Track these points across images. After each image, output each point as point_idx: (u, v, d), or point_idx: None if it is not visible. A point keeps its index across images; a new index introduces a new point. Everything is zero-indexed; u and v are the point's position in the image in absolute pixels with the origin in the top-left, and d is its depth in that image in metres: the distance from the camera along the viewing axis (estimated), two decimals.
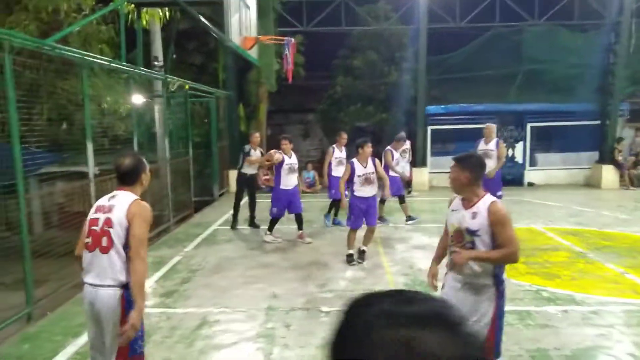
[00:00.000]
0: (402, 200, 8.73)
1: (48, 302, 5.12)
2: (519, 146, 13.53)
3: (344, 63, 16.34)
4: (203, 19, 8.08)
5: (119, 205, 2.77)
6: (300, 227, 7.63)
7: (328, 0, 13.23)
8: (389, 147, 8.84)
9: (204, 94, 11.80)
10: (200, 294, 5.40)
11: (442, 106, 13.40)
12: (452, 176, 3.08)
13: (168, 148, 9.21)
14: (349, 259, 6.40)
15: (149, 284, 5.58)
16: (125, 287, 2.72)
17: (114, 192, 2.88)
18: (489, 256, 2.94)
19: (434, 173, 12.81)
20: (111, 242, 2.71)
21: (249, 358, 3.97)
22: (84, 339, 4.27)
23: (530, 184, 13.23)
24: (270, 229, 7.62)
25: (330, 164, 8.67)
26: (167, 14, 9.95)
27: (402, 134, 9.27)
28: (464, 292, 3.02)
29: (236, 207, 8.69)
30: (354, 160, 6.35)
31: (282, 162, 7.41)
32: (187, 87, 10.22)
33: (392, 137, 9.42)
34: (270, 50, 12.29)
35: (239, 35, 8.22)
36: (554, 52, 13.14)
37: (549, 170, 13.44)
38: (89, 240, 2.79)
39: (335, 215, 8.65)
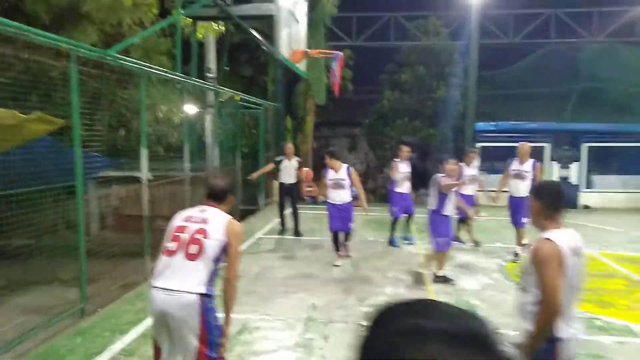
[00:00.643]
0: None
1: (99, 300, 5.36)
2: (574, 167, 13.00)
3: (391, 78, 16.31)
4: (255, 33, 8.32)
5: (215, 220, 2.88)
6: (346, 240, 7.34)
7: (378, 15, 13.31)
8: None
9: (253, 106, 12.10)
10: (242, 301, 5.45)
11: (493, 123, 13.09)
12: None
13: (218, 157, 9.48)
14: (439, 279, 6.18)
15: None
16: (204, 295, 2.80)
17: (203, 207, 2.99)
18: (534, 331, 2.47)
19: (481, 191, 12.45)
20: (202, 251, 2.81)
21: None
22: (130, 336, 4.45)
23: (586, 207, 12.64)
24: (337, 249, 7.16)
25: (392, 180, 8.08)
26: (221, 27, 10.33)
27: (473, 148, 8.81)
28: None
29: (281, 215, 9.03)
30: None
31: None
32: (237, 98, 10.51)
33: (439, 152, 9.23)
34: (320, 64, 12.49)
35: (289, 48, 8.40)
36: (613, 70, 12.60)
37: (606, 192, 12.80)
38: (172, 245, 2.86)
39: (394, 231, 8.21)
